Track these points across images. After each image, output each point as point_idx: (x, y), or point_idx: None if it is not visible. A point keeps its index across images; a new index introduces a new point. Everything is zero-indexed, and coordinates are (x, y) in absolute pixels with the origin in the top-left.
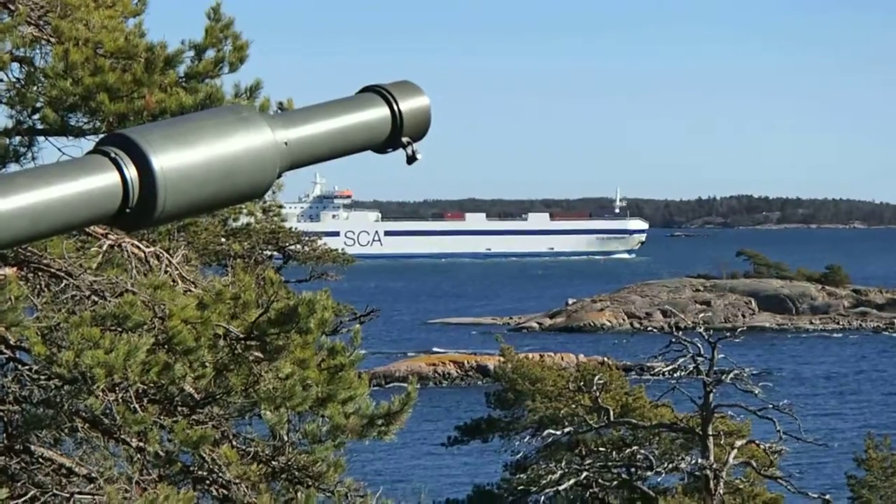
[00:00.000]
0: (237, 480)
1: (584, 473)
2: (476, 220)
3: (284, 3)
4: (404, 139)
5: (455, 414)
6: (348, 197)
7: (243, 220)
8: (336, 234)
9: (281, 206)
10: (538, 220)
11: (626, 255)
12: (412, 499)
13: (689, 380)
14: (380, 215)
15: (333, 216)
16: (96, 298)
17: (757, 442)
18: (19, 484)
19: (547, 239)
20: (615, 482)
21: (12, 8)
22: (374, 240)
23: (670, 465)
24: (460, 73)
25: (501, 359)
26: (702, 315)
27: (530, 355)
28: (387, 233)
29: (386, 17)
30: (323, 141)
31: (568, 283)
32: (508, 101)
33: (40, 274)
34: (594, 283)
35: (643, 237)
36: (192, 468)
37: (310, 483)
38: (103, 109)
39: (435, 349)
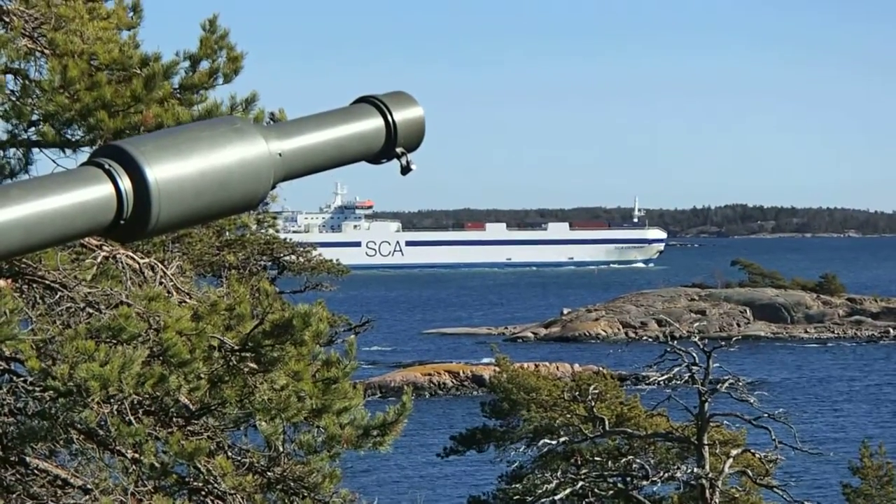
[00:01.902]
0: (232, 491)
1: (580, 483)
2: (496, 230)
3: (276, 13)
4: (399, 150)
5: (450, 424)
6: (370, 207)
7: (251, 227)
8: (357, 244)
9: (275, 217)
10: (558, 229)
11: (642, 265)
12: None
13: (684, 389)
14: (400, 225)
15: (355, 226)
16: (91, 310)
17: (752, 451)
18: (14, 496)
19: (567, 248)
20: (611, 492)
21: (7, 20)
22: (395, 250)
23: (666, 475)
24: (445, 84)
25: (497, 369)
26: (697, 324)
27: (525, 365)
28: (408, 243)
29: (381, 26)
30: (317, 152)
31: (566, 293)
32: (500, 110)
33: (35, 286)
34: (598, 293)
35: (661, 246)
36: (187, 479)
37: (305, 494)
38: (102, 127)
39: (431, 359)
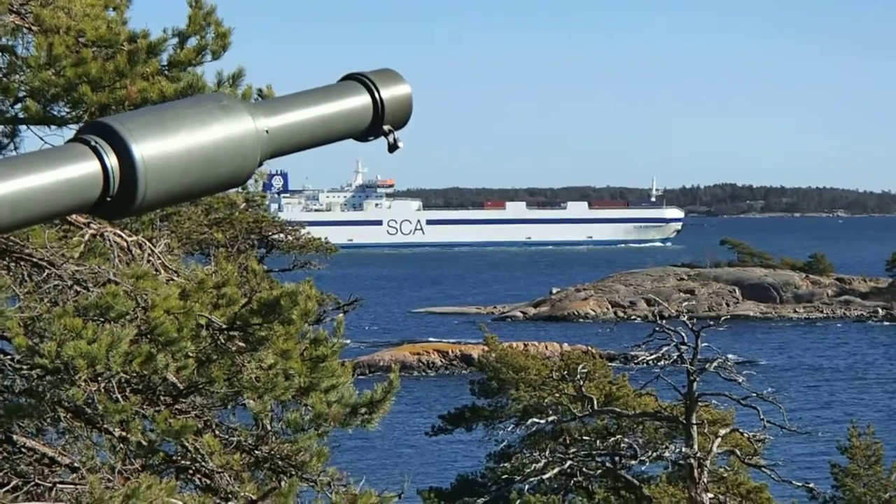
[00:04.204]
0: (220, 469)
1: (568, 462)
2: (516, 209)
3: None
4: (386, 127)
5: (439, 403)
6: (391, 186)
7: (239, 205)
8: (379, 223)
9: (263, 196)
10: (577, 208)
11: (660, 244)
12: (396, 488)
13: (672, 368)
14: (421, 204)
15: (376, 205)
16: (79, 288)
17: (741, 430)
18: (1, 473)
19: (586, 227)
20: (599, 471)
21: None
22: (416, 228)
23: (654, 454)
24: (430, 63)
25: (485, 348)
26: (685, 304)
27: (514, 344)
28: (429, 222)
29: (371, 2)
30: (304, 129)
31: (555, 272)
32: (488, 90)
33: (22, 264)
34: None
35: (679, 225)
36: (174, 457)
37: (293, 472)
38: (86, 101)
39: (419, 338)
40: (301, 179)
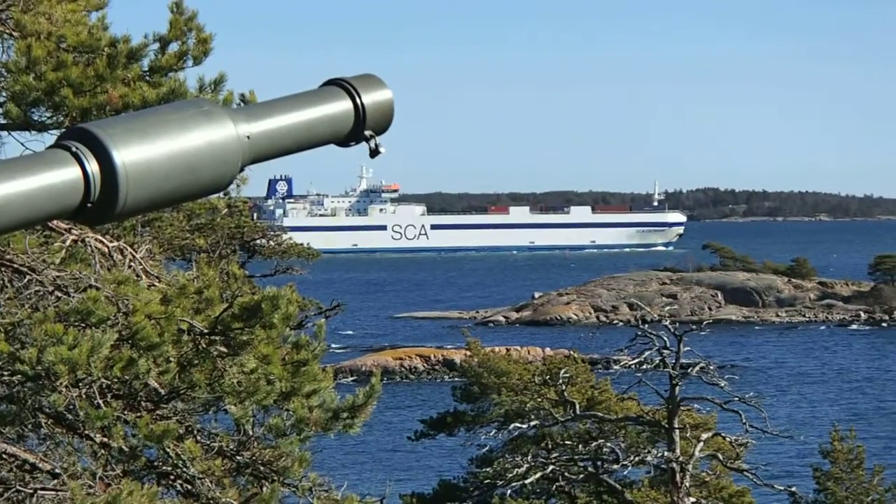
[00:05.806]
0: (201, 475)
1: (550, 467)
2: (520, 214)
3: None
4: (367, 132)
5: (421, 408)
6: (395, 191)
7: (221, 211)
8: (383, 227)
9: (245, 202)
10: (580, 213)
11: (663, 248)
12: (378, 492)
13: (655, 373)
14: (426, 209)
15: (381, 210)
16: (60, 294)
17: (723, 434)
18: None
19: (589, 232)
20: (581, 475)
21: None
22: (420, 233)
23: (636, 459)
24: (409, 66)
25: (468, 353)
26: (668, 308)
27: (496, 349)
28: (433, 226)
29: (351, 7)
30: (285, 135)
31: (537, 277)
32: (469, 94)
33: (3, 269)
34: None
35: (681, 230)
36: (156, 463)
37: (275, 478)
38: (67, 104)
39: (402, 343)
40: (305, 184)
